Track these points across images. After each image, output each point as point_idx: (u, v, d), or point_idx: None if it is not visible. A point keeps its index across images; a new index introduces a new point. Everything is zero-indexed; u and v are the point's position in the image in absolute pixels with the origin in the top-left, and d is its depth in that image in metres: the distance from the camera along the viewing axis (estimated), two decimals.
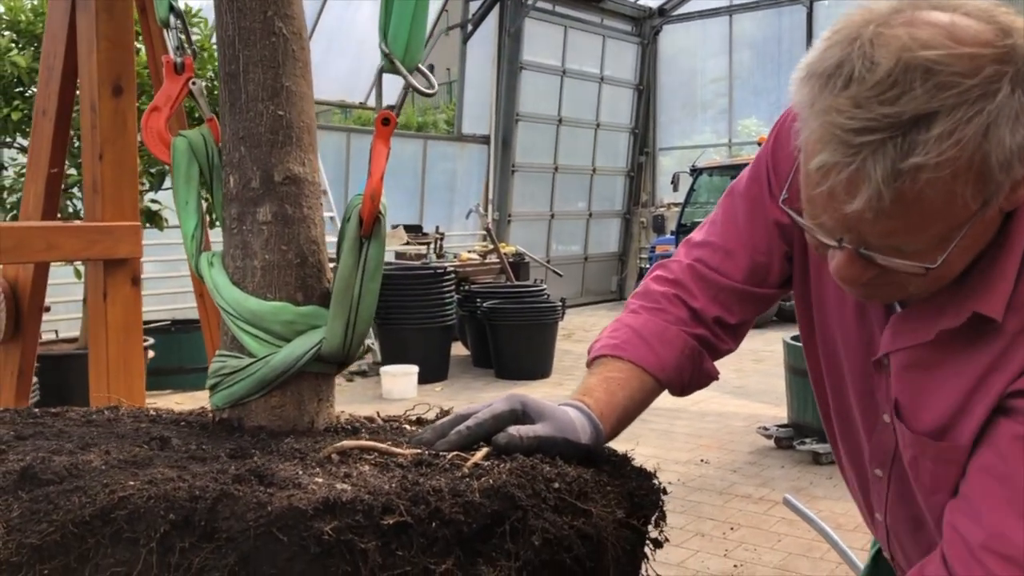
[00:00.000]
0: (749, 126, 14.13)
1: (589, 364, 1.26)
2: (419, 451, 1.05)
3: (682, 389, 1.28)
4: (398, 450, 1.04)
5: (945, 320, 1.01)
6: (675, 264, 1.32)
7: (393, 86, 1.24)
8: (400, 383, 7.37)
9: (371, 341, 8.54)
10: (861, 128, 0.86)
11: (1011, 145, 0.86)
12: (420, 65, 1.22)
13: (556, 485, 1.00)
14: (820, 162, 0.89)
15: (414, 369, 7.41)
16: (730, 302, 1.28)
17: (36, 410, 1.33)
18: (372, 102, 11.63)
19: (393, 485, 0.91)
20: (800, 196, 0.98)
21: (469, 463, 1.01)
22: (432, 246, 10.24)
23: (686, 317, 1.27)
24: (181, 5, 1.36)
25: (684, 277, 1.29)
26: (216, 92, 1.29)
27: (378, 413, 1.42)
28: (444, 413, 1.43)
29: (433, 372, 7.84)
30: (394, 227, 9.11)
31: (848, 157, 0.87)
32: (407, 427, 1.34)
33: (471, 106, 13.08)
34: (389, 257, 10.27)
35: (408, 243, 10.24)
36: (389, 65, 1.20)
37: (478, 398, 6.89)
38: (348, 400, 7.18)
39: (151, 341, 6.30)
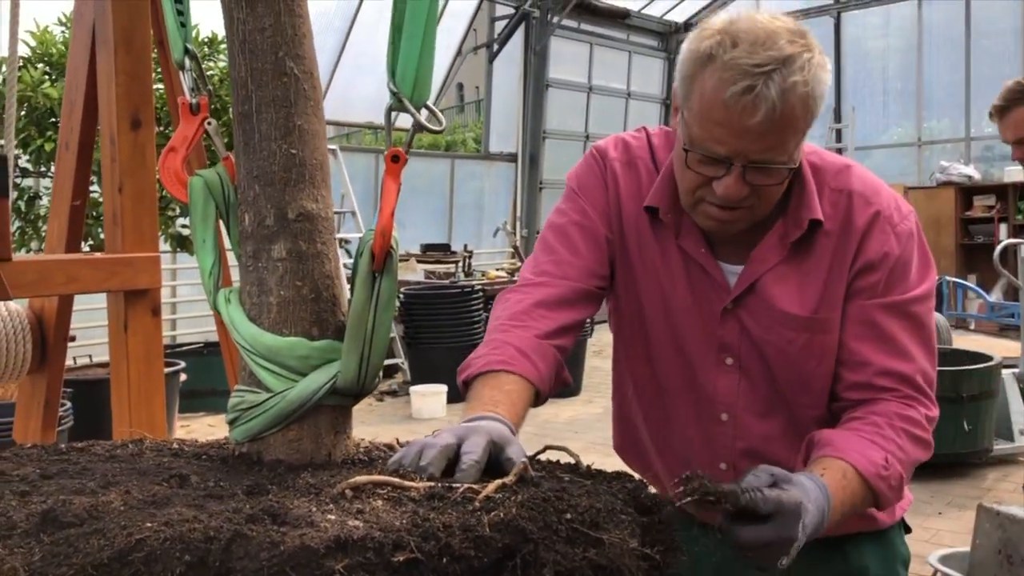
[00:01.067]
0: None
1: (470, 379, 1.38)
2: (432, 484, 1.06)
3: (546, 398, 1.42)
4: (411, 484, 1.05)
5: (790, 235, 1.43)
6: (523, 284, 1.52)
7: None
8: (429, 402, 7.39)
9: (401, 360, 8.60)
10: (756, 64, 1.26)
11: (823, 88, 1.30)
12: (428, 103, 1.23)
13: (568, 516, 1.00)
14: (732, 91, 1.26)
15: (443, 388, 7.43)
16: (578, 301, 1.49)
17: (63, 446, 1.36)
18: (399, 122, 11.83)
19: (404, 521, 0.92)
20: (686, 144, 1.35)
21: (481, 496, 1.02)
22: (460, 265, 10.27)
23: (548, 331, 1.44)
24: (208, 32, 1.39)
25: (536, 288, 1.48)
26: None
27: (397, 440, 1.44)
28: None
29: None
30: (404, 258, 9.15)
31: (756, 80, 1.25)
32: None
33: (498, 124, 13.14)
34: (418, 277, 10.31)
35: (437, 261, 10.25)
36: (397, 103, 1.22)
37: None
38: (378, 420, 7.22)
39: (183, 364, 6.36)
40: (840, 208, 1.44)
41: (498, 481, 1.06)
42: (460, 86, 27.34)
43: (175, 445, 1.40)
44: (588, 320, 1.60)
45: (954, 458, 5.10)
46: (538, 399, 1.39)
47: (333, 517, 0.94)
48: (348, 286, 1.30)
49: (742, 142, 1.30)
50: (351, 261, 1.49)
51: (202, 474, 1.14)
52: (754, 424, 1.53)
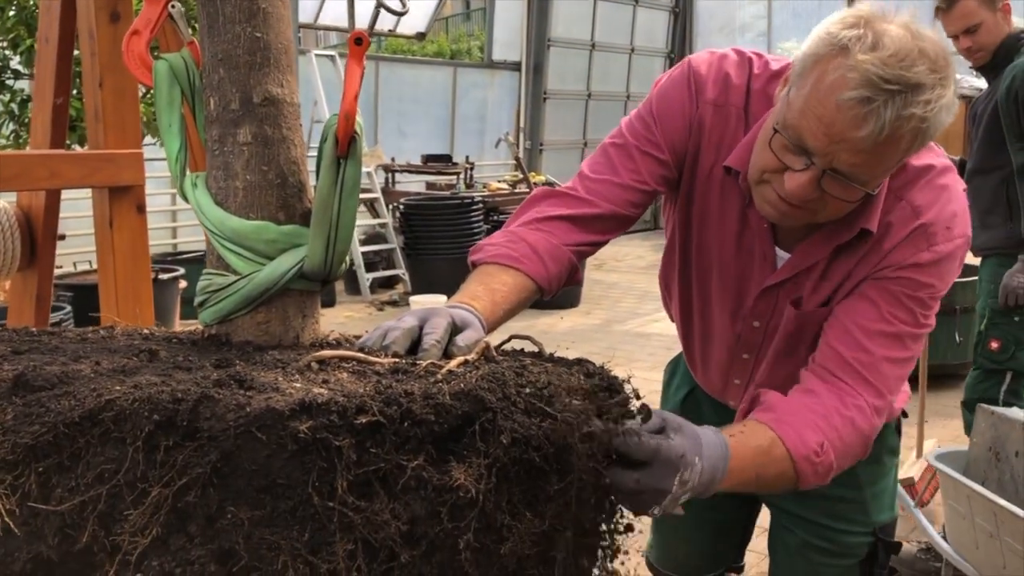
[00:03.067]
0: (789, 49, 13.66)
1: (477, 263, 1.42)
2: (397, 360, 1.10)
3: (553, 293, 1.47)
4: (376, 359, 1.09)
5: (840, 237, 1.42)
6: (569, 188, 1.51)
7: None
8: None
9: (401, 271, 8.70)
10: (885, 78, 1.19)
11: (938, 129, 1.25)
12: None
13: (527, 390, 1.05)
14: (856, 95, 1.20)
15: (442, 299, 7.42)
16: (604, 226, 1.50)
17: (33, 329, 1.38)
18: (401, 29, 11.55)
19: (368, 389, 0.96)
20: (778, 123, 1.30)
21: (444, 370, 1.05)
22: (461, 176, 10.18)
23: (571, 242, 1.46)
24: None
25: (574, 202, 1.48)
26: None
27: (367, 331, 1.47)
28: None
29: None
30: (372, 148, 9.05)
31: (878, 95, 1.19)
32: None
33: (502, 32, 12.67)
34: (419, 187, 10.21)
35: (439, 173, 10.10)
36: None
37: (510, 327, 6.76)
38: (365, 329, 7.20)
39: (182, 271, 6.35)
40: (889, 218, 1.40)
41: (460, 358, 1.10)
42: None
43: (146, 331, 1.43)
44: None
45: (944, 369, 5.14)
46: (542, 296, 1.44)
47: (299, 385, 0.97)
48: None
49: (835, 147, 1.24)
50: None
51: (172, 351, 1.17)
52: (776, 365, 1.61)
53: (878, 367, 1.39)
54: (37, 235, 2.42)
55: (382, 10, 1.26)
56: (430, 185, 10.04)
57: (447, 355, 1.13)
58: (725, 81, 1.47)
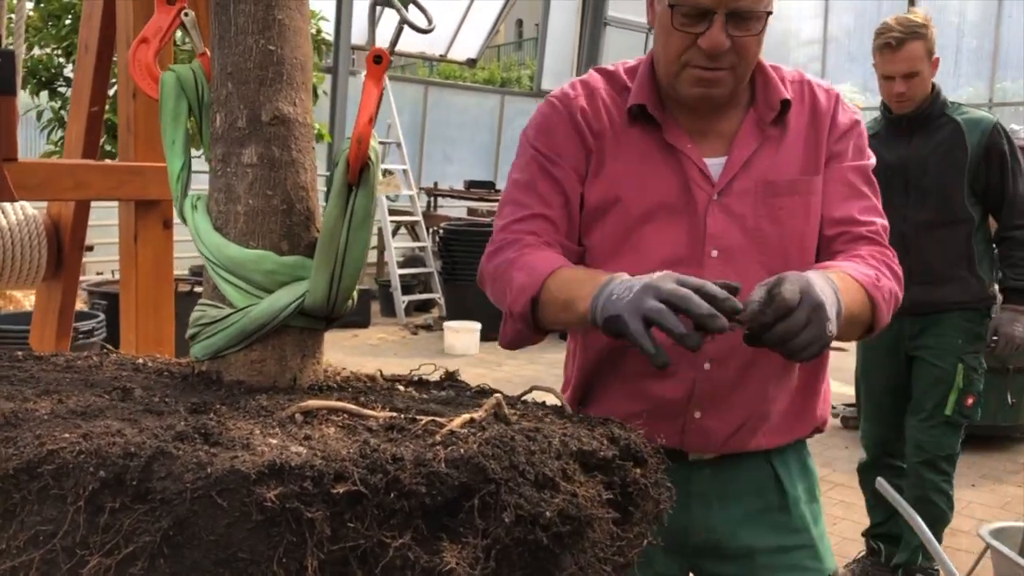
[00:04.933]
0: (843, 91, 13.47)
1: (536, 294, 1.38)
2: (393, 415, 0.98)
3: None
4: (370, 412, 0.97)
5: (765, 117, 1.53)
6: (506, 237, 1.50)
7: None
8: (463, 339, 7.35)
9: (437, 295, 8.68)
10: None
11: None
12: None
13: (537, 458, 0.92)
14: None
15: (477, 325, 7.39)
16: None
17: (20, 353, 1.29)
18: (453, 55, 11.61)
19: (352, 451, 0.84)
20: (659, 30, 1.45)
21: (444, 430, 0.93)
22: None
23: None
24: None
25: (525, 236, 1.48)
26: None
27: (380, 371, 1.35)
28: (448, 375, 1.36)
29: (496, 329, 7.76)
30: (388, 173, 9.03)
31: None
32: (402, 388, 1.27)
33: (552, 61, 12.66)
34: (461, 212, 10.18)
35: (481, 199, 10.05)
36: None
37: (540, 357, 6.70)
38: (411, 353, 7.18)
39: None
40: (804, 94, 1.57)
41: (465, 416, 0.98)
42: (519, 22, 26.38)
43: (141, 360, 1.33)
44: None
45: (994, 431, 4.91)
46: None
47: (275, 442, 0.85)
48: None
49: None
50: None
51: (150, 389, 1.06)
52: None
53: (881, 233, 1.54)
54: (64, 245, 2.37)
55: (399, 30, 1.15)
56: (471, 211, 10.00)
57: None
58: (582, 83, 1.58)
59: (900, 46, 3.05)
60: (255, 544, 0.77)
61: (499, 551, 0.85)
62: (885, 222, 1.58)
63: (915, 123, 3.16)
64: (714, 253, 1.49)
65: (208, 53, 1.23)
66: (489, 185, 10.83)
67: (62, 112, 5.18)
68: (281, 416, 0.94)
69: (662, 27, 1.45)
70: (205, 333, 1.14)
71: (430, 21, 1.12)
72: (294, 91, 1.17)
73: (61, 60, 5.22)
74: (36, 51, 5.06)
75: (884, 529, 3.43)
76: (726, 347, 1.45)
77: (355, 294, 1.18)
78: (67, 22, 4.99)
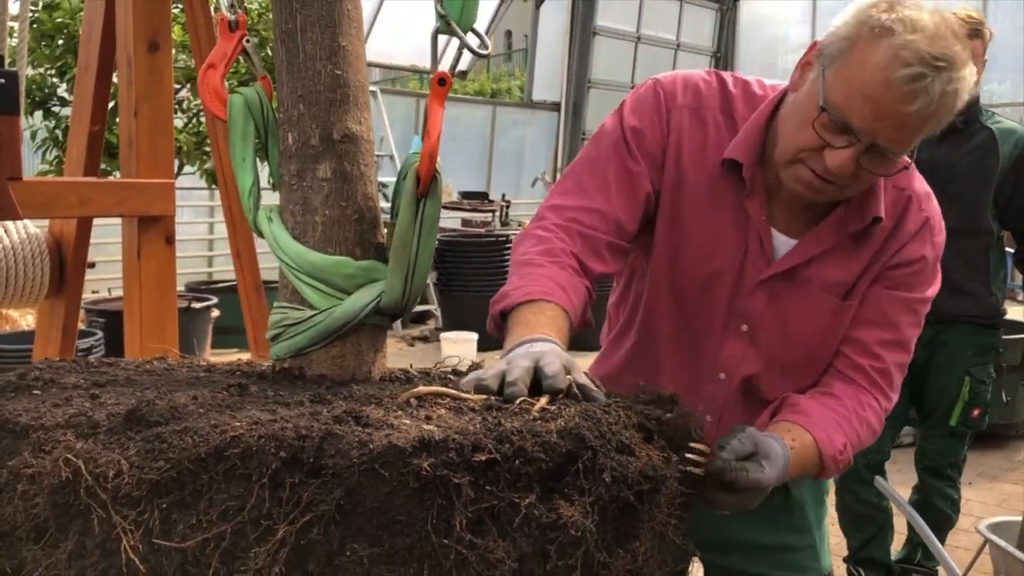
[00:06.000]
0: None
1: (508, 309, 1.34)
2: (486, 397, 1.11)
3: (575, 329, 1.39)
4: (468, 395, 1.09)
5: (852, 225, 1.47)
6: (552, 226, 1.45)
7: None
8: (460, 349, 7.27)
9: (434, 307, 8.63)
10: (935, 55, 1.26)
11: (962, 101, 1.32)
12: (475, 26, 1.25)
13: (618, 428, 1.06)
14: (903, 73, 1.26)
15: (474, 336, 7.34)
16: (606, 255, 1.46)
17: (91, 359, 1.37)
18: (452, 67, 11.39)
19: (476, 426, 0.97)
20: (796, 115, 1.37)
21: (536, 407, 1.07)
22: (497, 214, 10.14)
23: (579, 270, 1.42)
24: None
25: (565, 235, 1.43)
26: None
27: (411, 365, 1.48)
28: (476, 365, 1.48)
29: (493, 339, 7.67)
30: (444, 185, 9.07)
31: (929, 71, 1.26)
32: (451, 377, 1.40)
33: (542, 72, 12.65)
34: (455, 224, 10.18)
35: (475, 210, 10.06)
36: (444, 26, 1.24)
37: None
38: (408, 364, 7.03)
39: (215, 300, 6.33)
40: (899, 207, 1.50)
41: (548, 395, 1.11)
42: (508, 33, 25.66)
43: (202, 362, 1.42)
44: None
45: (990, 429, 4.76)
46: (570, 334, 1.35)
47: (408, 422, 0.98)
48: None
49: (881, 124, 1.29)
50: (386, 205, 1.49)
51: (258, 385, 1.17)
52: (747, 384, 1.58)
53: (889, 373, 1.53)
54: (67, 263, 2.40)
55: (459, 54, 1.28)
56: (466, 222, 9.96)
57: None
58: (695, 91, 1.50)
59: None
60: (411, 508, 0.89)
61: (600, 507, 1.00)
62: (903, 359, 1.53)
63: (951, 125, 3.09)
64: (744, 328, 1.53)
65: (268, 76, 1.33)
66: (482, 196, 10.71)
67: (57, 132, 5.10)
68: (398, 402, 1.06)
69: (800, 113, 1.38)
70: (288, 333, 1.25)
71: (487, 46, 1.25)
72: (359, 111, 1.29)
73: (55, 80, 5.13)
74: (29, 71, 4.96)
75: (866, 553, 3.32)
76: (719, 404, 1.57)
77: (430, 306, 1.30)
78: (60, 42, 4.91)
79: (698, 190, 1.49)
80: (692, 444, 1.17)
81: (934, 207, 1.55)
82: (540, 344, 1.19)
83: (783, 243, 1.50)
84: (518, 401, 1.08)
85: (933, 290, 1.55)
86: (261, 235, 1.29)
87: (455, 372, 1.47)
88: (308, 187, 1.26)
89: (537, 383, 1.13)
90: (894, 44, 1.27)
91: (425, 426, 0.97)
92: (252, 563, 0.86)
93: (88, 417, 0.95)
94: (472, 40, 1.25)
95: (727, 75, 1.54)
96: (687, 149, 1.49)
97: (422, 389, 1.08)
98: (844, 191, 1.41)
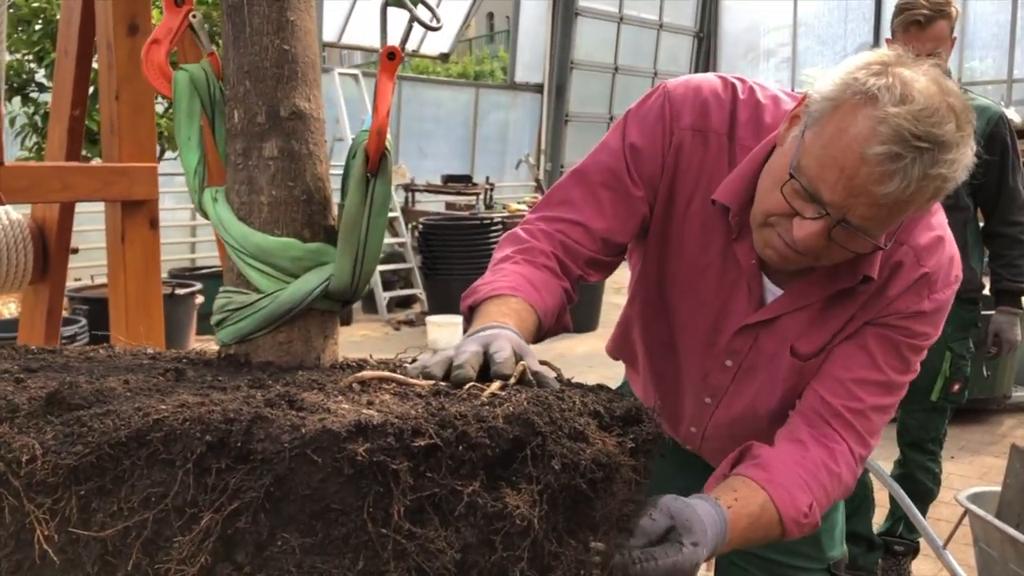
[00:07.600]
0: (813, 75, 13.23)
1: (476, 304, 1.30)
2: (434, 383, 1.07)
3: (544, 337, 1.36)
4: (415, 381, 1.05)
5: (840, 282, 1.36)
6: (537, 231, 1.43)
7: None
8: (446, 333, 7.31)
9: (418, 291, 8.65)
10: (921, 135, 1.14)
11: (960, 181, 1.21)
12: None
13: (570, 415, 1.02)
14: (886, 151, 1.14)
15: (459, 319, 7.26)
16: (586, 267, 1.43)
17: (32, 347, 1.32)
18: (425, 50, 11.39)
19: (419, 411, 0.93)
20: (793, 167, 1.22)
21: (486, 392, 1.02)
22: (481, 197, 10.11)
23: (558, 272, 1.39)
24: None
25: (549, 241, 1.41)
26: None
27: (370, 355, 1.43)
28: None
29: None
30: (396, 166, 9.07)
31: (907, 151, 1.14)
32: (408, 366, 1.36)
33: (525, 53, 12.62)
34: (439, 207, 10.14)
35: (458, 193, 10.03)
36: None
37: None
38: (395, 348, 7.01)
39: (199, 286, 6.27)
40: (891, 263, 1.37)
41: (499, 381, 1.07)
42: (490, 15, 25.67)
43: (151, 350, 1.37)
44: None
45: (971, 404, 4.73)
46: (539, 332, 1.32)
47: (347, 406, 0.93)
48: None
49: (852, 200, 1.18)
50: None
51: (197, 370, 1.12)
52: (735, 410, 1.55)
53: (867, 415, 1.39)
54: (50, 248, 2.36)
55: (410, 27, 1.24)
56: (450, 205, 9.96)
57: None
58: (704, 106, 1.40)
59: (929, 24, 2.88)
60: (346, 496, 0.85)
61: (549, 496, 0.95)
62: (885, 401, 1.41)
63: None
64: (728, 363, 1.49)
65: (216, 53, 1.28)
66: (466, 179, 10.66)
67: (36, 118, 5.04)
68: (340, 386, 1.02)
69: (773, 175, 1.28)
70: (233, 318, 1.20)
71: (438, 19, 1.21)
72: (308, 88, 1.24)
73: (33, 66, 5.08)
74: (7, 56, 4.93)
75: (849, 527, 3.38)
76: (722, 389, 1.54)
77: (371, 277, 1.26)
78: (38, 27, 4.86)
79: (691, 215, 1.43)
80: (591, 543, 1.03)
81: (940, 258, 1.40)
82: (492, 329, 1.15)
83: (771, 291, 1.44)
84: (467, 387, 1.04)
85: (929, 341, 1.43)
86: (207, 216, 1.24)
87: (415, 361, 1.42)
88: (254, 166, 1.21)
89: (487, 369, 1.09)
90: (875, 115, 1.15)
91: (364, 411, 0.93)
92: (176, 553, 0.82)
93: (7, 400, 0.90)
94: (423, 14, 1.21)
95: (743, 89, 1.43)
96: (683, 172, 1.41)
97: (366, 374, 1.04)
98: (817, 261, 1.30)
